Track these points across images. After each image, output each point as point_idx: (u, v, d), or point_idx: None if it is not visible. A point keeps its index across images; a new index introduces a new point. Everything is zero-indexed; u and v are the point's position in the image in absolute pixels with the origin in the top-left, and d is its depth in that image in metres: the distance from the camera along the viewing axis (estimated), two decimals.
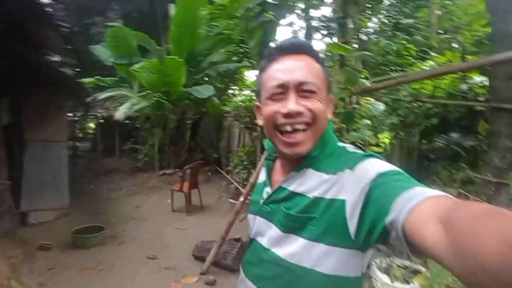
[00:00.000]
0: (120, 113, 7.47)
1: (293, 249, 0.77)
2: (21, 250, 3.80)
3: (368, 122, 3.88)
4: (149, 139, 9.47)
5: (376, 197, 0.61)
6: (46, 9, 3.51)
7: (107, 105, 11.00)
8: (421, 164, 4.09)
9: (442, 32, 8.65)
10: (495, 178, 2.99)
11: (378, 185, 0.62)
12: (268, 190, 0.92)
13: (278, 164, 0.95)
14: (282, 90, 0.79)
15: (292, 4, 4.68)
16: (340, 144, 0.86)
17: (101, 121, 13.89)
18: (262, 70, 0.87)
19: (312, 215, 0.74)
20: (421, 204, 0.51)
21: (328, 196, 0.73)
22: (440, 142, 3.72)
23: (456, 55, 4.36)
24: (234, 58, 8.90)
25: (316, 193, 0.76)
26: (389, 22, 9.41)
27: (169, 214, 6.17)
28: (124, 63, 8.87)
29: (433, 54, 7.06)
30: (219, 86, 9.75)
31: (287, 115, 0.77)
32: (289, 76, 0.78)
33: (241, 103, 8.26)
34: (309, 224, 0.74)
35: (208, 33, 5.79)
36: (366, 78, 4.33)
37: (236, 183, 7.13)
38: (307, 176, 0.81)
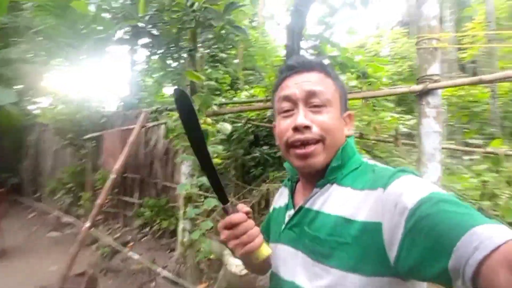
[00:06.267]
0: None
1: (324, 282, 0.67)
2: None
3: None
4: None
5: (427, 230, 0.52)
6: None
7: None
8: (247, 170, 5.12)
9: (247, 69, 10.68)
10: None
11: (427, 216, 0.53)
12: (290, 213, 0.83)
13: (300, 186, 0.89)
14: (291, 105, 0.77)
15: None
16: (367, 160, 0.79)
17: None
18: (274, 90, 0.85)
19: (342, 240, 0.65)
20: (492, 255, 0.43)
21: (360, 218, 0.64)
22: (257, 153, 4.83)
23: (262, 90, 5.73)
24: None
25: (343, 212, 0.68)
26: (209, 54, 10.48)
27: None
28: None
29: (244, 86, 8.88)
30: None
31: (296, 129, 0.73)
32: (297, 88, 0.76)
33: (63, 116, 6.22)
34: (340, 251, 0.65)
35: None
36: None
37: (58, 211, 5.61)
38: (331, 193, 0.74)
